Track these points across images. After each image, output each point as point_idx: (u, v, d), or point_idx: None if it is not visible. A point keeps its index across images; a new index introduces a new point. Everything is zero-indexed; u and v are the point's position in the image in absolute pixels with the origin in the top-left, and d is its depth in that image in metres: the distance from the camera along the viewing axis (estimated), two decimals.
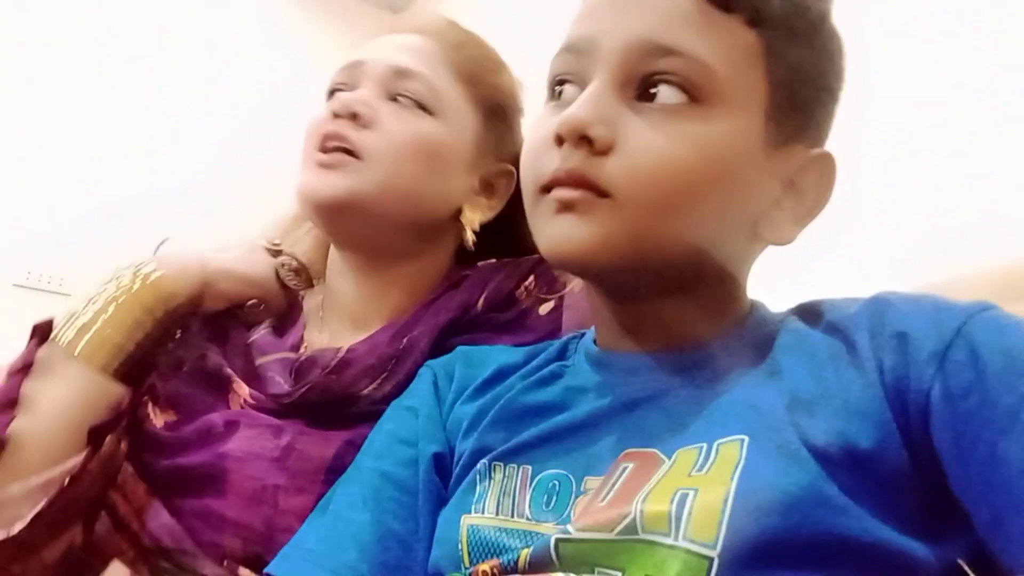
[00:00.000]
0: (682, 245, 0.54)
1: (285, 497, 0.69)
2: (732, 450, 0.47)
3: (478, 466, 0.58)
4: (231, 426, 0.75)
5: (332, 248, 0.90)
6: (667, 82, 0.52)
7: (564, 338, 0.69)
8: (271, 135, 1.73)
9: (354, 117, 0.81)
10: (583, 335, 0.66)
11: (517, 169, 0.90)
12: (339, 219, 0.82)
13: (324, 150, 0.80)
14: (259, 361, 0.80)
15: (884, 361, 0.49)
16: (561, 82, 0.57)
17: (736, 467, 0.46)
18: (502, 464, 0.58)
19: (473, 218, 0.89)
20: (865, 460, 0.46)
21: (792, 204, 0.56)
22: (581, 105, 0.52)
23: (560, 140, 0.52)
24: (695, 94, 0.52)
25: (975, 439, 0.44)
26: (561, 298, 0.82)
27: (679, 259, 0.55)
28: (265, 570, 0.62)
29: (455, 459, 0.63)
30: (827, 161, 0.57)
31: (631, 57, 0.53)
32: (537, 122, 0.58)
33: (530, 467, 0.56)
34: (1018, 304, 0.67)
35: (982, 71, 1.30)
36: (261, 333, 0.84)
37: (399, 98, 0.84)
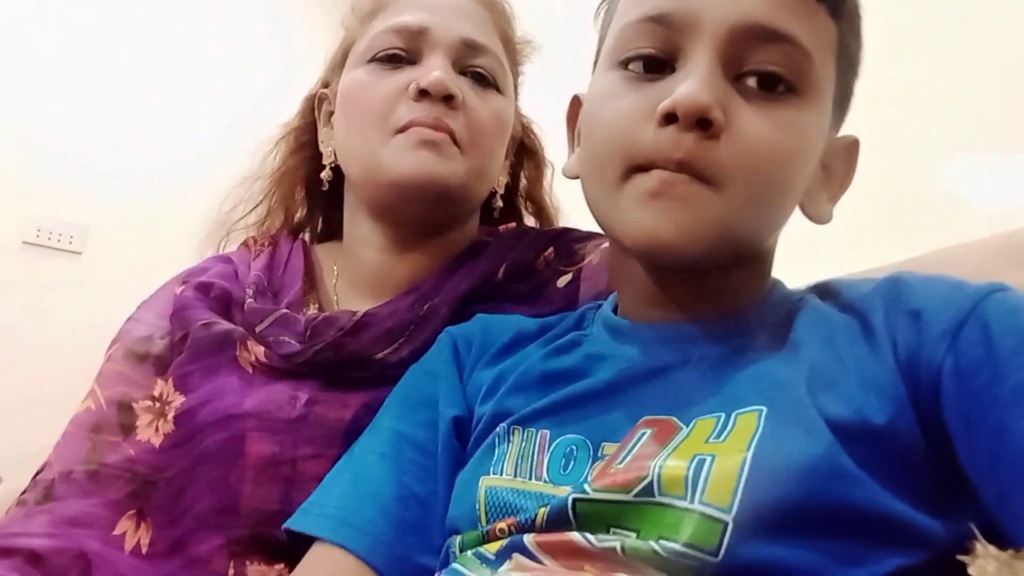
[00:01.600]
0: (768, 230, 0.56)
1: (303, 465, 0.70)
2: (750, 420, 0.48)
3: (497, 429, 0.59)
4: (246, 386, 0.75)
5: (355, 215, 0.88)
6: (772, 68, 0.52)
7: (581, 308, 0.70)
8: (276, 95, 1.72)
9: (449, 100, 0.78)
10: (600, 306, 0.67)
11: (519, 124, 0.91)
12: (432, 200, 0.80)
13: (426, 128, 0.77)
14: (259, 328, 0.78)
15: (898, 338, 0.50)
16: (643, 55, 0.54)
17: (753, 436, 0.47)
18: (521, 428, 0.59)
19: (501, 181, 0.89)
20: (879, 434, 0.47)
21: (825, 185, 0.59)
22: (700, 86, 0.50)
23: (668, 119, 0.50)
24: (795, 82, 0.52)
25: (984, 415, 0.44)
26: (579, 270, 0.83)
27: (759, 242, 0.57)
28: (284, 525, 0.62)
29: (474, 423, 0.64)
30: (855, 146, 0.61)
31: (738, 39, 0.51)
32: (609, 91, 0.55)
33: (548, 432, 0.57)
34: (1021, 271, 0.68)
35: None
36: (247, 302, 0.82)
37: (469, 72, 0.82)
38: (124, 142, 2.58)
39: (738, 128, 0.51)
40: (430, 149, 0.77)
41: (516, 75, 0.91)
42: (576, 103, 0.67)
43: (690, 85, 0.50)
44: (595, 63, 0.63)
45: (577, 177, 0.62)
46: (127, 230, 2.51)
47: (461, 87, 0.80)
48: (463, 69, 0.82)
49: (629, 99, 0.53)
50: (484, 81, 0.83)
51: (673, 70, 0.53)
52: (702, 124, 0.50)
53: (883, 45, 1.35)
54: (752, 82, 0.52)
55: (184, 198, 1.76)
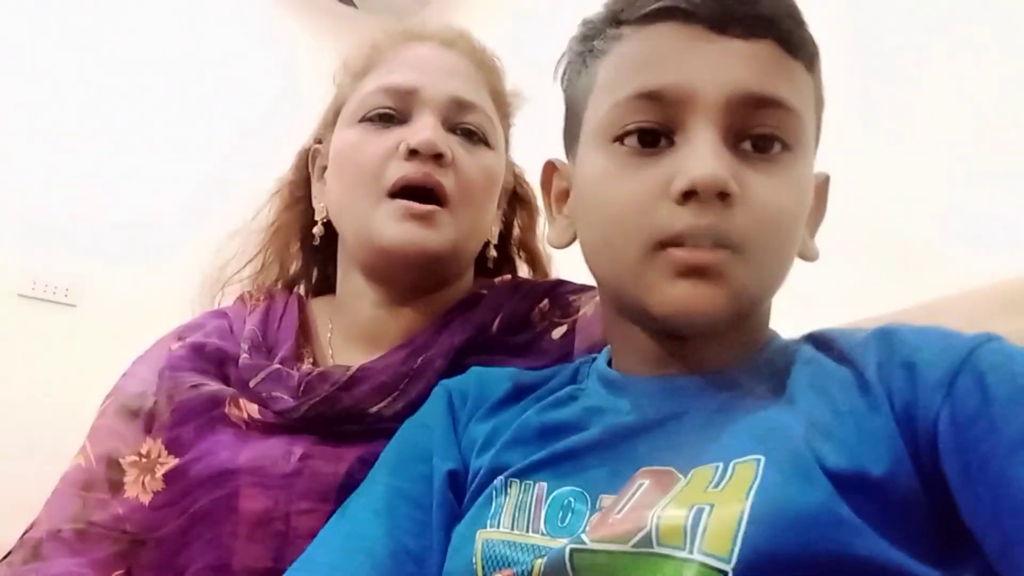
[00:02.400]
0: (779, 283, 0.57)
1: (297, 520, 0.69)
2: (748, 469, 0.48)
3: (495, 482, 0.59)
4: (240, 442, 0.75)
5: (348, 271, 0.88)
6: (768, 131, 0.54)
7: (576, 362, 0.70)
8: (266, 145, 1.73)
9: (439, 158, 0.79)
10: (594, 359, 0.67)
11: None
12: (425, 267, 0.81)
13: (413, 196, 0.78)
14: (252, 384, 0.78)
15: (893, 390, 0.50)
16: (639, 129, 0.55)
17: (752, 485, 0.46)
18: (518, 481, 0.58)
19: (495, 231, 0.90)
20: (878, 485, 0.47)
21: (807, 223, 0.60)
22: (713, 161, 0.51)
23: (686, 196, 0.51)
24: (788, 140, 0.54)
25: (983, 465, 0.44)
26: (574, 322, 0.83)
27: (771, 296, 0.58)
28: None
29: (469, 476, 0.63)
30: (827, 182, 0.63)
31: (734, 108, 0.53)
32: (609, 170, 0.56)
33: (546, 484, 0.56)
34: (1018, 317, 0.69)
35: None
36: (241, 358, 0.82)
37: (459, 130, 0.83)
38: (118, 195, 2.59)
39: (751, 195, 0.52)
40: (419, 222, 0.78)
41: (507, 128, 0.92)
42: (551, 168, 0.68)
43: (703, 162, 0.51)
44: (568, 126, 0.65)
45: (565, 247, 0.64)
46: (122, 283, 2.50)
47: (451, 145, 0.81)
48: (453, 127, 0.83)
49: (636, 178, 0.54)
50: (474, 137, 0.84)
51: (671, 142, 0.54)
52: (720, 196, 0.51)
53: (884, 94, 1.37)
54: (748, 146, 0.54)
55: (179, 251, 1.77)
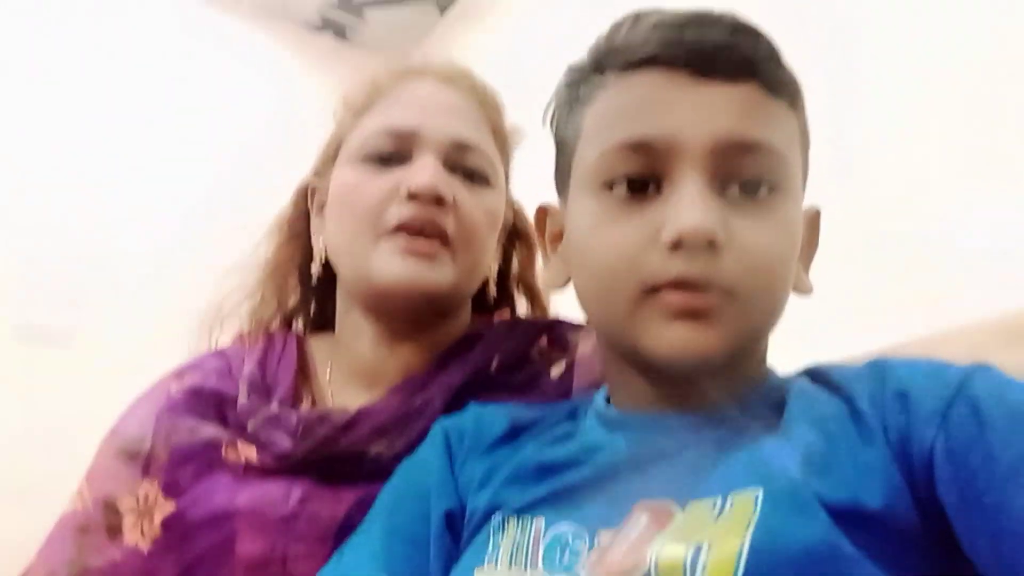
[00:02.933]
0: (775, 321, 0.57)
1: (294, 564, 0.69)
2: (746, 502, 0.48)
3: (492, 521, 0.59)
4: (238, 484, 0.74)
5: (347, 308, 0.88)
6: (754, 176, 0.54)
7: (573, 401, 0.70)
8: (262, 180, 1.74)
9: (439, 201, 0.78)
10: (592, 397, 0.67)
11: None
12: (422, 305, 0.80)
13: (414, 235, 0.78)
14: (250, 427, 0.78)
15: (888, 420, 0.50)
16: (627, 177, 0.55)
17: (751, 519, 0.46)
18: (516, 518, 0.58)
19: (493, 267, 0.90)
20: (876, 518, 0.47)
21: (800, 258, 0.61)
22: (700, 213, 0.51)
23: (675, 246, 0.52)
24: (775, 182, 0.55)
25: (981, 494, 0.44)
26: (573, 360, 0.83)
27: (768, 335, 0.59)
28: None
29: (467, 516, 0.63)
30: (818, 216, 0.64)
31: (719, 155, 0.53)
32: (599, 217, 0.57)
33: (543, 520, 0.56)
34: (1016, 349, 0.68)
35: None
36: (240, 401, 0.81)
37: (459, 170, 0.82)
38: (115, 234, 2.60)
39: (739, 241, 0.53)
40: (419, 258, 0.77)
41: (507, 164, 0.92)
42: (543, 213, 0.69)
43: (690, 214, 0.51)
44: (558, 170, 0.65)
45: (560, 288, 0.65)
46: (118, 324, 2.50)
47: (452, 186, 0.80)
48: (454, 167, 0.82)
49: (625, 226, 0.55)
50: (475, 178, 0.83)
51: (659, 189, 0.55)
52: (709, 244, 0.51)
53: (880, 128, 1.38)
54: (735, 190, 0.54)
55: (175, 291, 1.76)
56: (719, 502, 0.49)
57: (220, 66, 2.99)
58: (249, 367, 0.85)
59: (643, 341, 0.54)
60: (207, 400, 0.82)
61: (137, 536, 0.74)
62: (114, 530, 0.74)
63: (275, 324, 0.95)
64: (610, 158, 0.56)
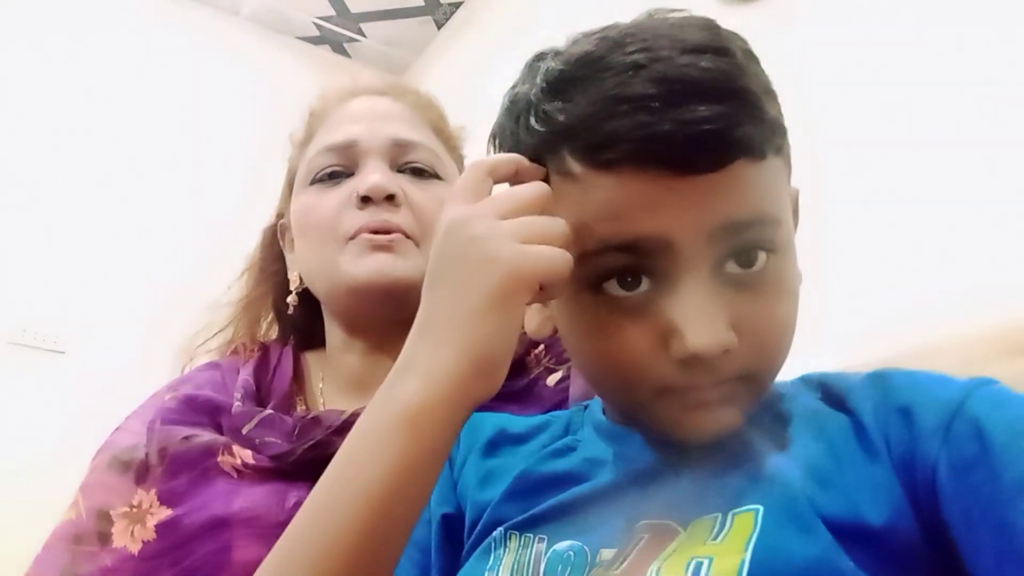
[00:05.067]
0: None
1: None
2: (747, 520, 0.47)
3: (494, 533, 0.58)
4: (233, 490, 0.74)
5: (332, 327, 0.89)
6: (751, 247, 0.51)
7: (568, 411, 0.69)
8: (259, 199, 1.75)
9: (391, 199, 0.80)
10: (586, 407, 0.67)
11: None
12: (397, 300, 0.80)
13: (375, 234, 0.79)
14: (245, 429, 0.78)
15: (891, 436, 0.49)
16: (618, 274, 0.51)
17: (751, 537, 0.46)
18: (518, 533, 0.57)
19: None
20: (878, 535, 0.46)
21: None
22: (709, 326, 0.48)
23: (689, 360, 0.49)
24: (772, 247, 0.51)
25: (984, 513, 0.44)
26: (570, 369, 0.82)
27: None
28: None
29: (468, 521, 0.62)
30: (797, 196, 0.60)
31: (720, 242, 0.49)
32: (597, 322, 0.52)
33: (545, 538, 0.55)
34: (1012, 361, 0.68)
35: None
36: (234, 406, 0.81)
37: (406, 169, 0.84)
38: (110, 243, 2.60)
39: (750, 330, 0.50)
40: (383, 251, 0.79)
41: (459, 160, 0.94)
42: None
43: (701, 332, 0.48)
44: None
45: (546, 338, 0.60)
46: (112, 330, 2.50)
47: (401, 184, 0.82)
48: (400, 167, 0.84)
49: (626, 331, 0.50)
50: (423, 174, 0.85)
51: (652, 282, 0.50)
52: (723, 353, 0.49)
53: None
54: (732, 266, 0.50)
55: (171, 300, 1.76)
56: (719, 520, 0.48)
57: (217, 78, 2.99)
58: (244, 376, 0.85)
59: (666, 428, 0.52)
60: (201, 408, 0.83)
61: (127, 539, 0.73)
62: (104, 537, 0.74)
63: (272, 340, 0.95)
64: (595, 261, 0.50)
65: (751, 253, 0.50)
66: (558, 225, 0.50)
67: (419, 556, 0.62)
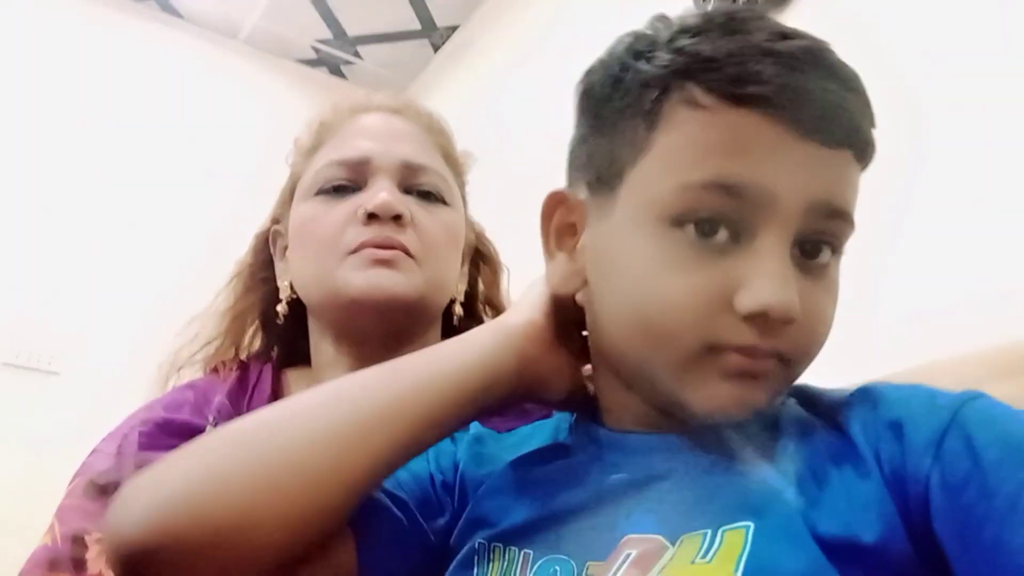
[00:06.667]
0: None
1: None
2: (737, 537, 0.47)
3: (475, 544, 0.57)
4: None
5: (319, 339, 0.88)
6: (827, 240, 0.52)
7: (554, 419, 0.69)
8: (254, 216, 1.75)
9: (397, 219, 0.80)
10: (574, 415, 0.66)
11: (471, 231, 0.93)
12: (392, 315, 0.80)
13: (379, 248, 0.79)
14: None
15: (881, 452, 0.49)
16: (705, 219, 0.50)
17: (741, 555, 0.45)
18: (502, 547, 0.56)
19: (460, 289, 0.91)
20: (870, 553, 0.45)
21: None
22: (787, 287, 0.48)
23: (755, 316, 0.49)
24: (838, 249, 0.53)
25: (977, 530, 0.43)
26: None
27: None
28: None
29: (455, 500, 0.63)
30: None
31: (810, 218, 0.50)
32: (667, 256, 0.51)
33: (531, 553, 0.55)
34: (1008, 382, 0.68)
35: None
36: (208, 430, 0.80)
37: (414, 191, 0.84)
38: (104, 265, 2.61)
39: (807, 311, 0.50)
40: (384, 266, 0.79)
41: (462, 186, 0.94)
42: (558, 199, 0.60)
43: (779, 288, 0.48)
44: (590, 163, 0.57)
45: (568, 295, 0.60)
46: (106, 350, 2.49)
47: (408, 205, 0.82)
48: (408, 189, 0.84)
49: (694, 275, 0.50)
50: (430, 197, 0.86)
51: (733, 237, 0.50)
52: (787, 321, 0.49)
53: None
54: (797, 249, 0.51)
55: (162, 319, 1.75)
56: (709, 536, 0.48)
57: (214, 100, 3.01)
58: (219, 398, 0.85)
59: (688, 395, 0.51)
60: (176, 432, 0.82)
61: (101, 564, 0.72)
62: (80, 563, 0.73)
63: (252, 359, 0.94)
64: (691, 194, 0.50)
65: (822, 244, 0.52)
66: None
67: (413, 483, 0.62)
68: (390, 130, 0.88)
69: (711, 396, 0.51)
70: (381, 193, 0.80)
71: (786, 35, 0.50)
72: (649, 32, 0.54)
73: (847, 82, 0.50)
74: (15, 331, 2.46)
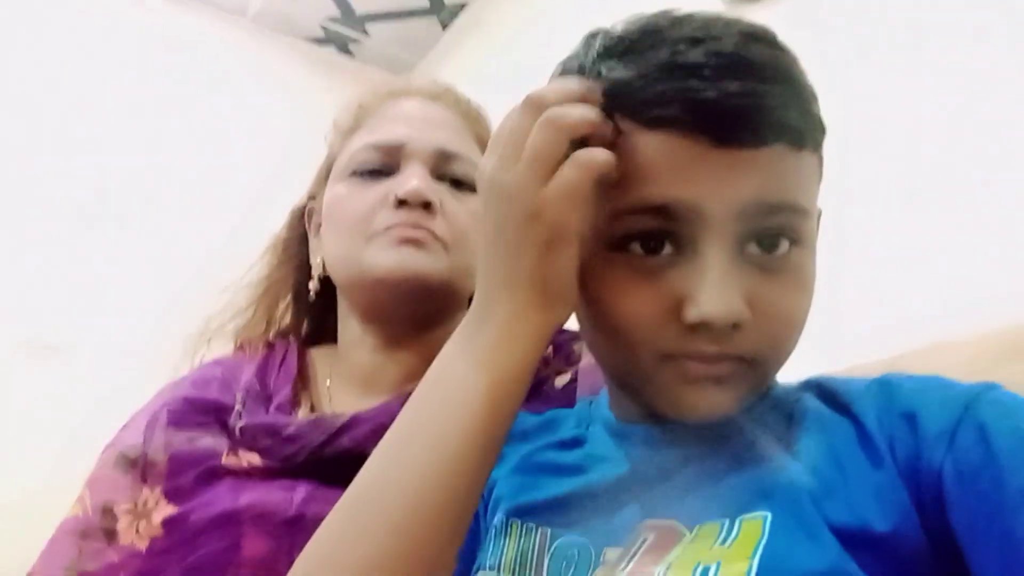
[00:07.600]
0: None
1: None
2: (754, 526, 0.47)
3: (495, 520, 0.59)
4: (240, 487, 0.75)
5: (347, 318, 0.89)
6: (777, 233, 0.51)
7: (574, 408, 0.69)
8: (266, 193, 1.75)
9: (427, 206, 0.81)
10: (591, 402, 0.67)
11: None
12: (418, 295, 0.81)
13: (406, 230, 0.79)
14: (248, 434, 0.80)
15: (895, 442, 0.49)
16: (642, 236, 0.51)
17: (759, 543, 0.46)
18: (519, 522, 0.58)
19: None
20: (884, 542, 0.46)
21: None
22: (725, 295, 0.48)
23: (699, 326, 0.49)
24: (796, 238, 0.52)
25: (990, 521, 0.43)
26: (576, 371, 0.83)
27: None
28: None
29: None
30: (818, 217, 0.60)
31: (747, 220, 0.50)
32: (616, 279, 0.52)
33: (549, 530, 0.56)
34: (1016, 363, 0.69)
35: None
36: (236, 409, 0.82)
37: (447, 178, 0.85)
38: (119, 246, 2.61)
39: (762, 309, 0.50)
40: (412, 246, 0.80)
41: None
42: None
43: (716, 298, 0.48)
44: None
45: None
46: (121, 332, 2.50)
47: (439, 193, 0.83)
48: (440, 176, 0.85)
49: (642, 293, 0.51)
50: (462, 185, 0.86)
51: (675, 246, 0.51)
52: (733, 326, 0.49)
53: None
54: (754, 248, 0.51)
55: (178, 303, 1.77)
56: (727, 524, 0.49)
57: (221, 79, 3.00)
58: (247, 376, 0.86)
59: (657, 400, 0.53)
60: (204, 409, 0.83)
61: (133, 536, 0.74)
62: (110, 533, 0.75)
63: (277, 337, 0.95)
64: (625, 219, 0.51)
65: (776, 238, 0.51)
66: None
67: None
68: (426, 116, 0.88)
69: (679, 402, 0.52)
70: (412, 180, 0.81)
71: (698, 39, 0.49)
72: (580, 52, 0.56)
73: (764, 75, 0.49)
74: (30, 311, 2.47)
